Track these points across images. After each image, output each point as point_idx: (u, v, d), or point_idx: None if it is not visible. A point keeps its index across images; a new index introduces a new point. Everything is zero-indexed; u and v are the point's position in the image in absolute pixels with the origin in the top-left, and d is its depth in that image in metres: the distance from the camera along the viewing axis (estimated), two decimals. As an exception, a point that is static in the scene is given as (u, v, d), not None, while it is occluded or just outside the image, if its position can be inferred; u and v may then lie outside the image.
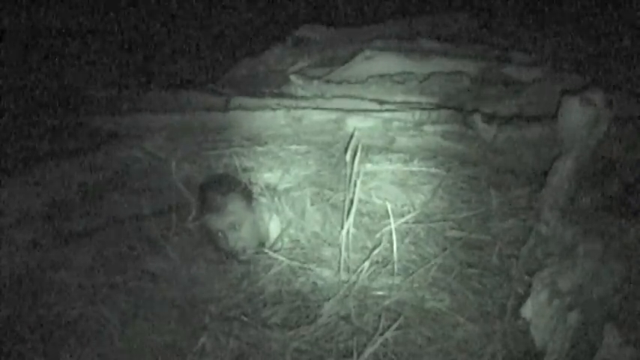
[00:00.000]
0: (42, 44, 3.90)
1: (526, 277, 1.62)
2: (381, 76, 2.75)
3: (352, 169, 1.69)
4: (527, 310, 1.50)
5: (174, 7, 4.81)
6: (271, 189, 2.05)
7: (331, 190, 2.04)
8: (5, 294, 1.66)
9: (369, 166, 2.10)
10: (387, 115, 2.36)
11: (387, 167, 2.14)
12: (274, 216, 1.99)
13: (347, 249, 1.71)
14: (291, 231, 1.95)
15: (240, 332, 1.55)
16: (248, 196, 1.91)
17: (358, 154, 1.70)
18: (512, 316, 1.54)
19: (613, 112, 1.71)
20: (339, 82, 2.74)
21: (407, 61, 2.77)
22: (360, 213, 1.91)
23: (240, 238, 1.85)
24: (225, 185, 1.89)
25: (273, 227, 1.99)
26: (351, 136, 2.15)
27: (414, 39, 3.01)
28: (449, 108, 2.37)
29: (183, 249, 1.88)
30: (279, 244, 1.93)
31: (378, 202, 2.00)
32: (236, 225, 1.83)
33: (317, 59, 3.14)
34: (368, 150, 2.19)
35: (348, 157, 1.71)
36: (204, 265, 1.84)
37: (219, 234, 1.84)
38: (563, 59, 2.81)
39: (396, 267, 1.70)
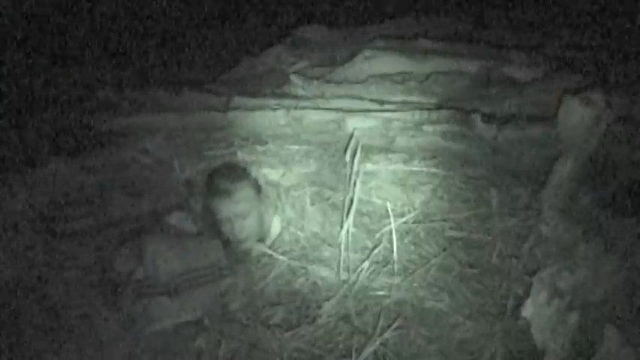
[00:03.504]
0: (42, 45, 3.90)
1: (526, 277, 1.62)
2: (381, 76, 2.75)
3: (352, 168, 1.69)
4: (527, 310, 1.50)
5: (174, 7, 4.81)
6: (273, 185, 2.06)
7: (331, 189, 2.04)
8: (5, 294, 1.66)
9: (369, 166, 2.10)
10: (387, 115, 2.36)
11: (387, 167, 2.13)
12: (276, 214, 1.99)
13: (346, 249, 1.71)
14: (291, 230, 1.95)
15: (240, 332, 1.55)
16: (257, 186, 1.92)
17: (358, 154, 1.70)
18: (512, 316, 1.54)
19: (613, 112, 1.71)
20: (339, 82, 2.74)
21: (407, 61, 2.77)
22: (360, 213, 1.91)
23: (245, 227, 1.85)
24: (236, 173, 1.90)
25: (275, 224, 1.99)
26: (351, 136, 2.15)
27: (414, 39, 3.01)
28: (449, 108, 2.37)
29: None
30: (279, 243, 1.93)
31: (378, 201, 2.00)
32: (243, 213, 1.84)
33: (317, 59, 3.14)
34: (368, 150, 2.19)
35: (347, 157, 1.71)
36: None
37: (225, 220, 1.84)
38: (563, 59, 2.81)
39: (395, 267, 1.70)
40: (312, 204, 1.97)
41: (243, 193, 1.84)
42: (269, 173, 2.13)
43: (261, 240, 1.94)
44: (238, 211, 1.83)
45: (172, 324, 1.56)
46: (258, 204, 1.92)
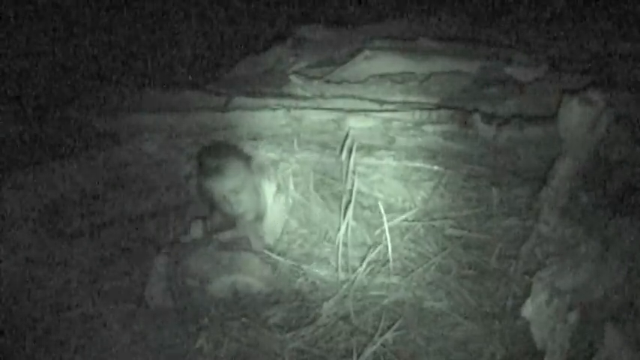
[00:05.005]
0: (41, 44, 3.90)
1: (526, 277, 1.62)
2: (381, 76, 2.75)
3: (348, 167, 1.69)
4: (527, 310, 1.50)
5: (173, 7, 4.81)
6: (275, 165, 2.06)
7: (333, 178, 2.03)
8: (5, 294, 1.66)
9: (371, 160, 2.09)
10: (387, 115, 2.36)
11: (389, 162, 2.13)
12: (279, 192, 1.99)
13: (345, 246, 1.71)
14: (293, 222, 1.95)
15: (239, 333, 1.55)
16: (246, 158, 1.93)
17: (354, 152, 1.71)
18: (512, 316, 1.54)
19: (613, 111, 1.71)
20: (339, 82, 2.73)
21: (407, 61, 2.76)
22: (360, 206, 1.91)
23: (242, 201, 1.86)
24: (223, 149, 1.91)
25: (279, 202, 1.99)
26: (346, 136, 2.14)
27: (414, 39, 3.00)
28: (449, 108, 2.37)
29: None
30: (281, 233, 1.94)
31: (380, 195, 2.00)
32: (236, 188, 1.85)
33: (317, 59, 3.13)
34: (369, 149, 2.19)
35: (343, 156, 1.71)
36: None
37: (221, 198, 1.85)
38: (563, 59, 2.80)
39: (394, 266, 1.70)
40: (317, 190, 1.97)
41: (232, 168, 1.85)
42: (272, 156, 2.12)
43: (259, 217, 1.94)
44: (231, 186, 1.84)
45: (206, 251, 1.75)
46: (251, 176, 1.91)
